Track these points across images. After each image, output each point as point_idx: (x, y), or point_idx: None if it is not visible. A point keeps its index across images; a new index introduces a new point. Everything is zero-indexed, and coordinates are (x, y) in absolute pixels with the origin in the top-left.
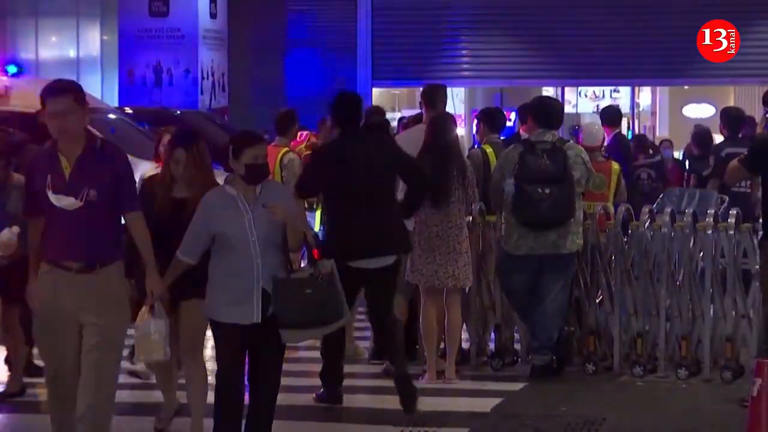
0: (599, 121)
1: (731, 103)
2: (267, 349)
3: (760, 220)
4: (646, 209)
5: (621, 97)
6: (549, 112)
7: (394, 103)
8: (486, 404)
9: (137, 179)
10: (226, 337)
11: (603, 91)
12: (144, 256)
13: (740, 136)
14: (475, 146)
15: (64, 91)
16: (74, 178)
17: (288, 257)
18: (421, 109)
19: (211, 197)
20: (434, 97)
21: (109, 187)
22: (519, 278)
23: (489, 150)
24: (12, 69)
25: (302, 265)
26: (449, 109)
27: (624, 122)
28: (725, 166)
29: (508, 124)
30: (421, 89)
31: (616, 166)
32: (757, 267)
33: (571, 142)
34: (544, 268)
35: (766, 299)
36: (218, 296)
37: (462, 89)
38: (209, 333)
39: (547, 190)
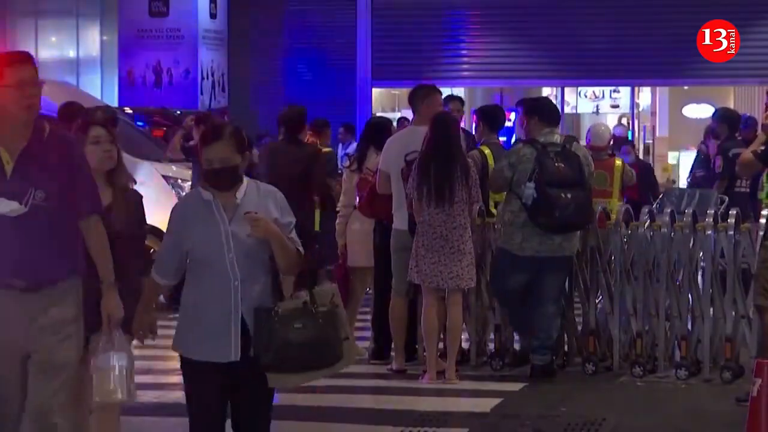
0: (605, 122)
1: (731, 103)
2: (251, 393)
3: (763, 221)
4: (646, 209)
5: (621, 97)
6: (553, 110)
7: (394, 103)
8: (486, 404)
9: (138, 181)
10: (198, 378)
11: (603, 91)
12: (100, 271)
13: (738, 137)
14: (475, 147)
15: (29, 58)
16: (17, 176)
17: (277, 280)
18: (410, 108)
19: (183, 203)
20: (418, 99)
21: (63, 188)
22: (517, 279)
23: (487, 152)
24: None
25: (297, 292)
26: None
27: (624, 122)
28: (733, 166)
29: (507, 124)
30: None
31: (618, 162)
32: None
33: (577, 141)
34: (544, 269)
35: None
36: (188, 327)
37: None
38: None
39: (569, 195)
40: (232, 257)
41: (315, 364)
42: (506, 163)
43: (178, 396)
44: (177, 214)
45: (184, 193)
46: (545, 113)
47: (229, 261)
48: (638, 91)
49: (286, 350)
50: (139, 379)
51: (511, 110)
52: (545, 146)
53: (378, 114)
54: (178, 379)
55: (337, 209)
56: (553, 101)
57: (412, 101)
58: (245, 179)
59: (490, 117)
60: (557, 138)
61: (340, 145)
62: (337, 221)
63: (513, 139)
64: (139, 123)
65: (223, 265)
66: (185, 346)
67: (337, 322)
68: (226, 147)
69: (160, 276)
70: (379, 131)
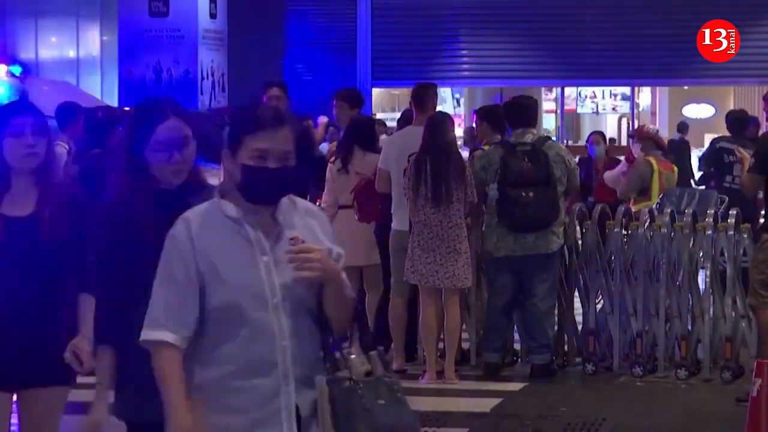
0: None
1: (731, 103)
2: None
3: (762, 220)
4: (646, 209)
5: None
6: (524, 111)
7: (394, 103)
8: (486, 404)
9: None
10: None
11: (603, 91)
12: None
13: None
14: (478, 147)
15: None
16: None
17: (327, 339)
18: (411, 108)
19: (194, 222)
20: (424, 98)
21: None
22: (501, 280)
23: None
24: (16, 70)
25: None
26: (448, 109)
27: (624, 122)
28: (714, 156)
29: None
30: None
31: (655, 165)
32: None
33: (552, 140)
34: (526, 269)
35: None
36: (213, 413)
37: (462, 89)
38: None
39: (531, 194)
40: (277, 304)
41: None
42: (479, 166)
43: None
44: (183, 239)
45: None
46: (513, 116)
47: (274, 310)
48: (638, 91)
49: None
50: None
51: None
52: (514, 146)
53: (378, 115)
54: None
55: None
56: (542, 100)
57: (421, 99)
58: None
59: (492, 116)
60: (529, 138)
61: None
62: None
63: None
64: None
65: (263, 317)
66: None
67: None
68: (289, 137)
69: (170, 329)
70: (362, 130)
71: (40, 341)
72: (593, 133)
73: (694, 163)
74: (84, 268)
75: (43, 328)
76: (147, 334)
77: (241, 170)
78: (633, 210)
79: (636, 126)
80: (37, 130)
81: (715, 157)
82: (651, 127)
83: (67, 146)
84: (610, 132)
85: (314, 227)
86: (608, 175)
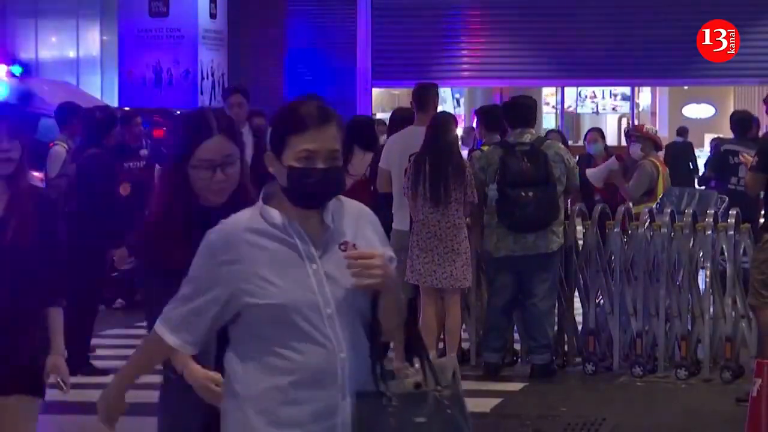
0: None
1: (731, 103)
2: None
3: (762, 220)
4: (646, 210)
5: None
6: (523, 111)
7: (394, 103)
8: (486, 404)
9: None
10: None
11: (603, 91)
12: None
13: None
14: (477, 147)
15: None
16: None
17: (380, 350)
18: (412, 108)
19: (229, 231)
20: (425, 98)
21: None
22: (501, 280)
23: (486, 149)
24: (17, 70)
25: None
26: (448, 109)
27: (624, 122)
28: (719, 159)
29: None
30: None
31: (659, 166)
32: None
33: (550, 140)
34: (526, 269)
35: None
36: (266, 426)
37: (462, 89)
38: None
39: (530, 193)
40: (331, 314)
41: None
42: (478, 166)
43: None
44: (219, 248)
45: None
46: (512, 116)
47: (328, 321)
48: (638, 91)
49: None
50: (140, 378)
51: None
52: (513, 146)
53: (378, 115)
54: None
55: None
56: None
57: (423, 99)
58: None
59: (487, 116)
60: (528, 137)
61: None
62: None
63: None
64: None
65: (317, 329)
66: None
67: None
68: (336, 136)
69: (181, 339)
70: (363, 130)
71: (5, 349)
72: (591, 130)
73: (699, 163)
74: (54, 277)
75: (8, 336)
76: (158, 327)
77: (287, 173)
78: (633, 210)
79: (633, 125)
80: (12, 134)
81: (719, 160)
82: (649, 127)
83: (66, 146)
84: (611, 132)
85: (365, 229)
86: (590, 172)
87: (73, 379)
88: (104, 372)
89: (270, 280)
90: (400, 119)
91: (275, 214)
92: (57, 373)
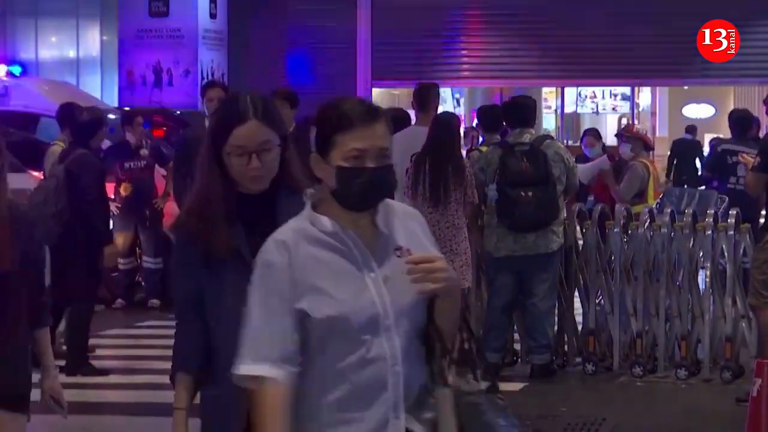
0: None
1: (731, 103)
2: None
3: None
4: (646, 209)
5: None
6: (522, 111)
7: (394, 103)
8: None
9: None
10: None
11: (603, 91)
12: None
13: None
14: (475, 147)
15: None
16: None
17: (435, 356)
18: (413, 108)
19: (282, 242)
20: (426, 98)
21: None
22: (501, 280)
23: (485, 150)
24: (17, 70)
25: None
26: (448, 109)
27: (624, 123)
28: (717, 159)
29: None
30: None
31: (650, 167)
32: None
33: (550, 140)
34: (526, 269)
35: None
36: None
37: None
38: None
39: (530, 193)
40: (389, 325)
41: None
42: (477, 167)
43: None
44: (278, 265)
45: None
46: (512, 116)
47: (386, 332)
48: (638, 91)
49: None
50: (139, 378)
51: None
52: (513, 146)
53: None
54: None
55: None
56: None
57: (424, 99)
58: None
59: (485, 116)
60: (527, 137)
61: None
62: None
63: None
64: None
65: (375, 341)
66: None
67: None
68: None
69: (284, 369)
70: None
71: None
72: (587, 133)
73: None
74: (38, 299)
75: None
76: (246, 369)
77: (336, 173)
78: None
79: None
80: None
81: (717, 161)
82: (640, 127)
83: (64, 146)
84: (611, 132)
85: (416, 231)
86: (580, 168)
87: (73, 380)
88: (104, 372)
89: (327, 291)
90: (393, 119)
91: (326, 222)
92: (55, 396)
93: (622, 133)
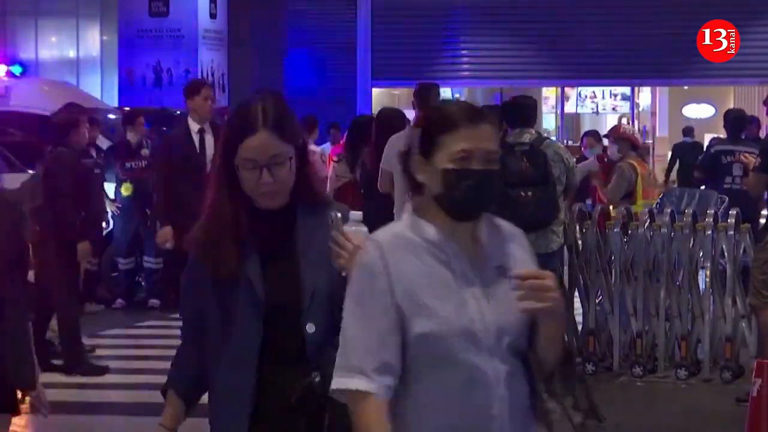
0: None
1: (731, 103)
2: None
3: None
4: (646, 210)
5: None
6: (522, 111)
7: (393, 103)
8: None
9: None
10: None
11: (603, 91)
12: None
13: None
14: None
15: None
16: None
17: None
18: (413, 108)
19: (387, 246)
20: (427, 97)
21: None
22: None
23: None
24: (17, 70)
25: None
26: None
27: (623, 123)
28: (712, 161)
29: None
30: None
31: (638, 168)
32: None
33: (550, 140)
34: None
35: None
36: None
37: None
38: None
39: (530, 193)
40: (492, 345)
41: None
42: None
43: None
44: (377, 269)
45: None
46: (512, 116)
47: (488, 353)
48: (638, 91)
49: None
50: (139, 378)
51: None
52: (513, 146)
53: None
54: None
55: None
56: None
57: (425, 99)
58: None
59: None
60: (527, 137)
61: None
62: None
63: None
64: None
65: (476, 362)
66: None
67: None
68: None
69: (383, 382)
70: (368, 130)
71: None
72: (587, 135)
73: None
74: (17, 297)
75: None
76: (343, 383)
77: (441, 175)
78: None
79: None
80: None
81: (712, 162)
82: (627, 127)
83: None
84: None
85: (516, 247)
86: None
87: (74, 379)
88: (102, 370)
89: (426, 306)
90: (391, 119)
91: (430, 230)
92: (38, 399)
93: (609, 134)
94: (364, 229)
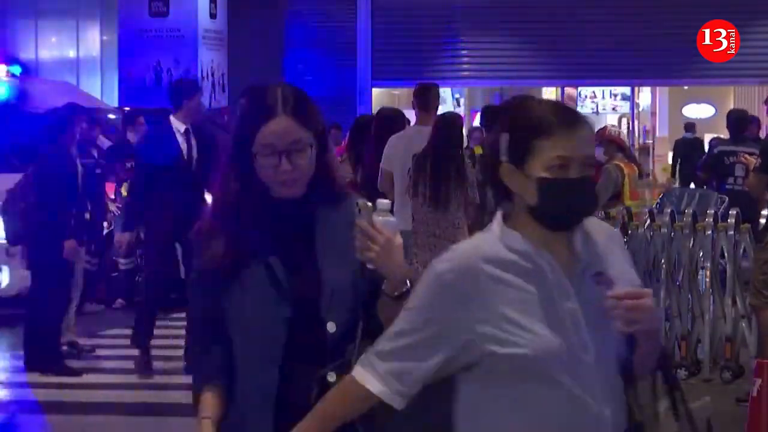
0: (605, 122)
1: (731, 103)
2: None
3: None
4: (646, 210)
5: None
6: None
7: (394, 103)
8: None
9: None
10: None
11: (603, 91)
12: None
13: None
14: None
15: None
16: None
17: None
18: (413, 108)
19: (469, 261)
20: (427, 97)
21: None
22: None
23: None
24: (17, 70)
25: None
26: (448, 109)
27: (624, 122)
28: (714, 160)
29: None
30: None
31: (625, 169)
32: None
33: None
34: None
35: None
36: None
37: (462, 89)
38: None
39: None
40: (589, 363)
41: None
42: (476, 172)
43: (179, 396)
44: (454, 284)
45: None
46: (488, 119)
47: (586, 371)
48: (638, 91)
49: None
50: (140, 379)
51: None
52: None
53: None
54: (178, 379)
55: None
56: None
57: (424, 99)
58: None
59: (490, 117)
60: None
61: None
62: None
63: None
64: None
65: (575, 382)
66: None
67: None
68: (592, 140)
69: (392, 389)
70: (369, 130)
71: None
72: None
73: None
74: None
75: None
76: (360, 374)
77: (537, 185)
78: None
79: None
80: None
81: (714, 162)
82: (613, 129)
83: None
84: None
85: (615, 253)
86: None
87: (73, 380)
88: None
89: (519, 323)
90: (390, 119)
91: (520, 241)
92: None
93: (596, 137)
94: (393, 219)
